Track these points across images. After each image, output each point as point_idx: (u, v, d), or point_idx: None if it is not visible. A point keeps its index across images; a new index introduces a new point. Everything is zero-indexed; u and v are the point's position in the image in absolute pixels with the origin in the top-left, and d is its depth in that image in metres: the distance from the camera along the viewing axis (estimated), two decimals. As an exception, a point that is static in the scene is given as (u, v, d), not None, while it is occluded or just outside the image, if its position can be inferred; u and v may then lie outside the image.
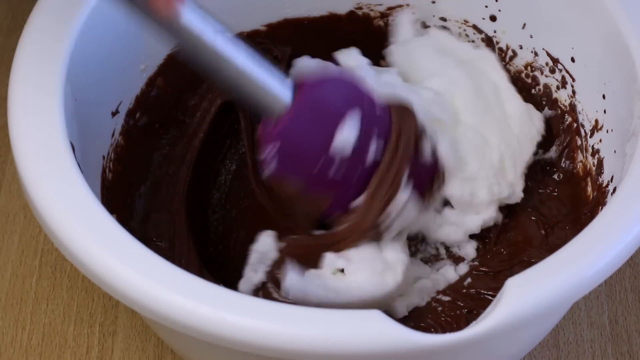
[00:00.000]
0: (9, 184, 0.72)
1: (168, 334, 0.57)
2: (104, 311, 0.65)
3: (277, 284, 0.55)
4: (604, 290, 0.67)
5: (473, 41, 0.69)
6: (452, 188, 0.61)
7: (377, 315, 0.46)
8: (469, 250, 0.63)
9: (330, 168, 0.52)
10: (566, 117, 0.65)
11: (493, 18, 0.68)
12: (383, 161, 0.53)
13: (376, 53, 0.69)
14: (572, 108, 0.64)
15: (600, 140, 0.61)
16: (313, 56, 0.65)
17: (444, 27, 0.70)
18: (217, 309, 0.46)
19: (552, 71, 0.65)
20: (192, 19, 0.48)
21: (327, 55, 0.66)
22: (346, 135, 0.52)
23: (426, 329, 0.58)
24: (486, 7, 0.68)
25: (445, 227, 0.63)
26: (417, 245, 0.64)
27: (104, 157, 0.61)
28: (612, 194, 0.57)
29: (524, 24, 0.66)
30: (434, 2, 0.69)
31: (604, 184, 0.59)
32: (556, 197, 0.65)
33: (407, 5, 0.70)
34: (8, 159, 0.73)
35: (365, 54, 0.67)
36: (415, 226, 0.61)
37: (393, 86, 0.61)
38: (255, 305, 0.47)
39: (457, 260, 0.63)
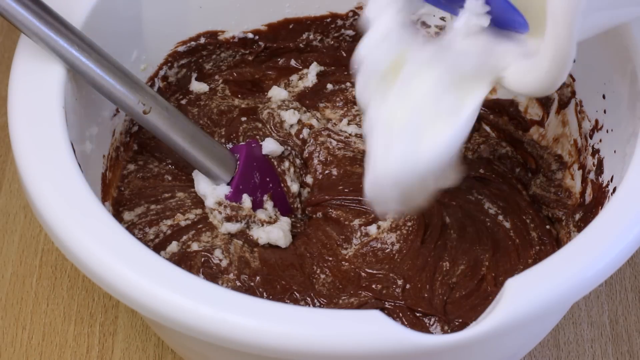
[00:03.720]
0: (9, 184, 0.72)
1: (168, 334, 0.57)
2: (104, 311, 0.65)
3: None
4: (604, 290, 0.67)
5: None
6: None
7: (377, 315, 0.46)
8: None
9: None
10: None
11: (493, 18, 0.68)
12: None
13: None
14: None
15: (600, 140, 0.61)
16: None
17: (443, 28, 0.70)
18: (217, 309, 0.46)
19: (552, 71, 0.65)
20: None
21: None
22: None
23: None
24: (486, 7, 0.67)
25: None
26: None
27: (104, 157, 0.61)
28: (612, 194, 0.57)
29: (524, 24, 0.66)
30: (434, 2, 0.69)
31: (604, 184, 0.59)
32: (556, 196, 0.65)
33: (407, 5, 0.70)
34: (8, 159, 0.73)
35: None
36: None
37: None
38: (256, 305, 0.47)
39: None
